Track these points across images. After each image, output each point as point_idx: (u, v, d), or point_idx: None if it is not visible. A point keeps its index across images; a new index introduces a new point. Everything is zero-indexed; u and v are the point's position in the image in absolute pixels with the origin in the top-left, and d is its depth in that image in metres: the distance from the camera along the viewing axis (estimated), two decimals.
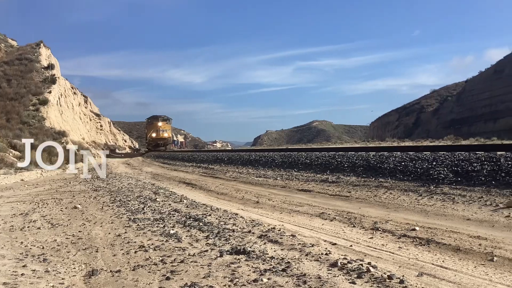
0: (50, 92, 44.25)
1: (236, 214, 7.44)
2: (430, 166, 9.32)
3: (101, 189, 12.45)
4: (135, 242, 5.49)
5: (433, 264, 4.27)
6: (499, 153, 8.96)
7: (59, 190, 12.71)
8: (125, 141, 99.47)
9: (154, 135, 57.55)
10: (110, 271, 4.28)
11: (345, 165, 11.81)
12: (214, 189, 12.12)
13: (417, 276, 3.86)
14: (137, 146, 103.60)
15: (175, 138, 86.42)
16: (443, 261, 4.38)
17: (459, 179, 8.19)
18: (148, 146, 59.90)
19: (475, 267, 4.16)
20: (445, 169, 8.85)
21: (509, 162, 8.02)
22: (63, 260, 4.77)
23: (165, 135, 58.01)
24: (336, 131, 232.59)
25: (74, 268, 4.45)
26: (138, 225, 6.61)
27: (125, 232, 6.12)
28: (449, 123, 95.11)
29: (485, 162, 8.45)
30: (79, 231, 6.34)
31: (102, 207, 8.76)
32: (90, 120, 70.57)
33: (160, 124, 57.90)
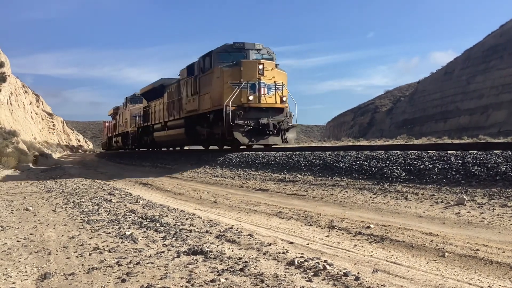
0: (0, 90, 42.80)
1: (194, 214, 7.39)
2: (384, 165, 9.51)
3: (53, 190, 12.12)
4: (89, 244, 5.37)
5: (387, 260, 4.37)
6: (449, 152, 9.22)
7: (10, 191, 12.29)
8: (79, 141, 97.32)
9: (251, 98, 16.10)
10: (64, 274, 4.17)
11: (302, 165, 11.91)
12: (171, 189, 12.00)
13: (372, 272, 3.94)
14: (90, 146, 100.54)
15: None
16: (396, 257, 4.48)
17: (412, 177, 8.39)
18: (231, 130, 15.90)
19: (427, 263, 4.28)
20: (399, 167, 9.05)
21: (459, 161, 8.28)
22: (14, 263, 4.62)
23: (283, 99, 16.89)
24: None
25: (26, 271, 4.32)
26: (92, 226, 6.46)
27: (79, 234, 5.98)
28: (402, 123, 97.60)
29: (437, 161, 8.69)
30: (31, 234, 6.15)
31: (55, 209, 8.53)
32: (42, 119, 68.61)
33: (261, 66, 16.19)
